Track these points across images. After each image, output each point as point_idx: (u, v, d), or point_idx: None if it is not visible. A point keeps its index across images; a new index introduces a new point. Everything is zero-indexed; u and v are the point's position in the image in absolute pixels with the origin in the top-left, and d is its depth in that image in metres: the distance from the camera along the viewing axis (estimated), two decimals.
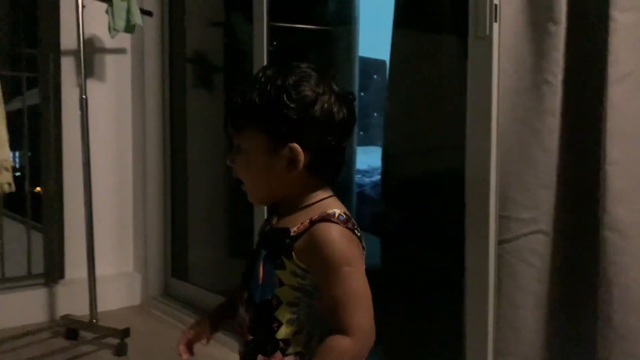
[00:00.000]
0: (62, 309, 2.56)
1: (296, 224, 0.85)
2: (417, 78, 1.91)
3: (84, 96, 2.26)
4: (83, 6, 2.27)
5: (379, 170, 3.26)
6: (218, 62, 2.99)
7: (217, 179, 2.93)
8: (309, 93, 0.84)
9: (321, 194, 0.89)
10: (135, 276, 2.86)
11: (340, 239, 0.83)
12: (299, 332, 0.86)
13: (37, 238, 2.69)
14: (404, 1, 1.93)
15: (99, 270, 2.38)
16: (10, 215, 2.74)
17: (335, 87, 0.87)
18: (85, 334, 2.33)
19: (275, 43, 2.07)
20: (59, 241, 2.63)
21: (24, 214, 2.80)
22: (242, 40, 2.87)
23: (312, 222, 0.84)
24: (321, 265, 0.83)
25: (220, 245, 2.95)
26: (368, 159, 3.24)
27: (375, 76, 4.19)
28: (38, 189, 2.67)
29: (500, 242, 1.26)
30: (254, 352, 0.88)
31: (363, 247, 0.88)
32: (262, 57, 2.09)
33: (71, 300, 2.59)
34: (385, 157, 2.08)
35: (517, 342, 1.22)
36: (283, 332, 0.85)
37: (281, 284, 0.85)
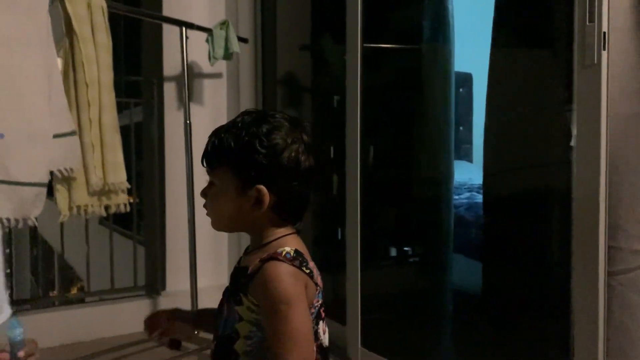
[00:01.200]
0: None
1: (253, 262, 0.92)
2: (516, 95, 1.91)
3: (187, 121, 2.41)
4: (187, 37, 2.43)
5: (468, 186, 3.23)
6: (306, 83, 3.09)
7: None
8: (279, 141, 0.92)
9: (281, 232, 0.96)
10: None
11: (282, 278, 0.88)
12: None
13: (139, 251, 2.89)
14: (504, 18, 1.93)
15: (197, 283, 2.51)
16: (115, 229, 2.96)
17: (305, 137, 0.95)
18: (187, 345, 2.46)
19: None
20: (162, 254, 2.80)
21: (126, 227, 3.01)
22: (330, 62, 2.96)
23: (262, 261, 0.90)
24: (265, 302, 0.89)
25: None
26: (456, 175, 3.23)
27: (461, 89, 4.16)
28: (131, 198, 2.82)
29: (611, 274, 1.24)
30: None
31: (315, 284, 0.93)
32: (356, 77, 2.15)
33: None
34: (486, 177, 2.08)
35: None
36: None
37: (240, 319, 0.92)
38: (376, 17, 2.24)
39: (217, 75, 2.97)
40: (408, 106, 2.61)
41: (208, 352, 2.33)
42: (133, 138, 2.79)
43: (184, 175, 2.66)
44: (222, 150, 0.93)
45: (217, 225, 0.99)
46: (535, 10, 1.79)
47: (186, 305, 2.62)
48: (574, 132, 1.35)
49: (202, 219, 2.95)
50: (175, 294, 2.81)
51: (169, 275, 2.84)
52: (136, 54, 2.90)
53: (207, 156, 0.96)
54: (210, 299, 2.82)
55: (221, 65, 2.93)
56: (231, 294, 0.94)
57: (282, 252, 0.91)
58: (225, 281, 2.96)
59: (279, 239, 0.94)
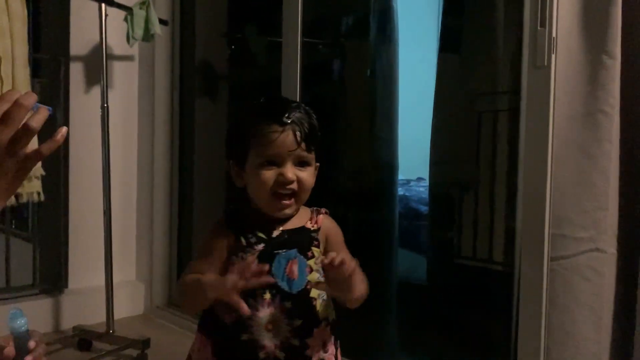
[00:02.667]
0: (68, 319, 2.51)
1: (303, 223, 1.09)
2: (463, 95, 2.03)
3: (105, 104, 2.24)
4: (106, 14, 2.26)
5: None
6: (224, 73, 3.01)
7: (224, 186, 2.94)
8: None
9: None
10: (138, 285, 2.84)
11: None
12: (325, 302, 1.09)
13: (29, 247, 2.64)
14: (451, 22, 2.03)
15: (100, 280, 2.35)
16: (11, 224, 2.67)
17: None
18: (99, 345, 2.30)
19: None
20: (65, 251, 2.59)
21: (23, 222, 2.74)
22: (252, 52, 2.91)
23: (316, 217, 1.10)
24: (339, 239, 1.12)
25: None
26: None
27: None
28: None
29: (554, 259, 1.35)
30: (307, 332, 1.06)
31: None
32: (295, 72, 2.13)
33: (77, 310, 2.55)
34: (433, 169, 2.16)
35: (574, 354, 1.31)
36: (319, 305, 1.08)
37: (310, 270, 1.06)
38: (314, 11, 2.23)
39: (129, 58, 2.79)
40: (349, 100, 2.63)
41: (124, 352, 2.21)
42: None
43: (91, 164, 2.48)
44: (317, 131, 1.07)
45: (296, 207, 1.08)
46: (482, 14, 1.90)
47: (95, 302, 2.44)
48: (521, 129, 1.46)
49: (116, 211, 2.73)
50: (81, 291, 2.61)
51: (71, 271, 2.63)
52: (35, 27, 2.62)
53: (309, 138, 1.05)
54: (122, 295, 2.70)
55: (133, 48, 2.76)
56: (301, 252, 1.07)
57: (322, 210, 1.13)
58: (133, 277, 2.86)
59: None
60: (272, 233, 1.08)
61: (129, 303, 2.77)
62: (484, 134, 1.88)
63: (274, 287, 1.05)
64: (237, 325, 1.06)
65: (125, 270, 2.83)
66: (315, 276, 1.08)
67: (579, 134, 1.35)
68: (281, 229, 1.09)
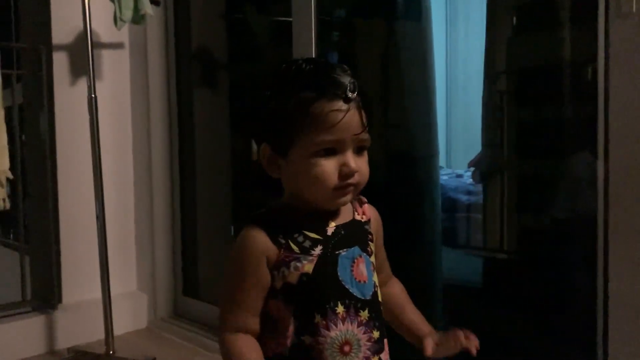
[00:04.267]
0: (63, 339, 2.25)
1: (350, 215, 0.90)
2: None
3: (93, 95, 1.97)
4: None
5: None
6: (224, 56, 2.73)
7: (229, 186, 2.67)
8: None
9: None
10: (140, 296, 2.57)
11: None
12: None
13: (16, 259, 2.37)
14: None
15: (97, 292, 2.08)
16: None
17: None
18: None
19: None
20: (57, 262, 2.32)
21: (10, 232, 2.48)
22: (254, 32, 2.64)
23: (361, 207, 0.92)
24: (381, 235, 0.95)
25: None
26: None
27: None
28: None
29: None
30: (382, 345, 0.87)
31: None
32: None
33: (72, 327, 2.28)
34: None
35: None
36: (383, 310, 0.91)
37: (373, 269, 0.89)
38: None
39: (118, 46, 2.52)
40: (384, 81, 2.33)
41: None
42: (17, 121, 2.28)
43: (82, 164, 2.21)
44: (370, 104, 0.84)
45: (356, 192, 0.88)
46: None
47: (93, 318, 2.18)
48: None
49: (112, 215, 2.45)
50: (77, 306, 2.34)
51: (65, 284, 2.36)
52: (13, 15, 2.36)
53: (369, 115, 0.84)
54: (123, 308, 2.43)
55: (122, 34, 2.49)
56: (363, 250, 0.88)
57: (363, 198, 0.94)
58: (134, 287, 2.59)
59: None
60: (326, 231, 0.86)
61: (131, 317, 2.50)
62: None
63: (345, 296, 0.84)
64: (300, 353, 0.82)
65: (125, 281, 2.57)
66: (376, 276, 0.91)
67: None
68: (334, 224, 0.88)
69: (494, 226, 2.09)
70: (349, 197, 0.85)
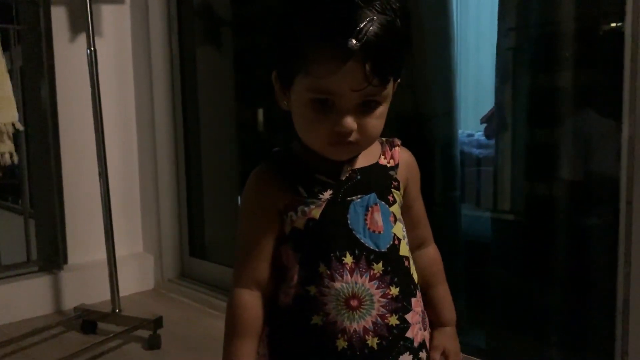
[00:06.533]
0: (69, 299, 2.24)
1: (375, 158, 0.81)
2: None
3: (92, 48, 1.90)
4: None
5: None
6: (226, 12, 2.65)
7: (234, 146, 2.62)
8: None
9: None
10: (147, 257, 2.55)
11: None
12: (413, 264, 0.83)
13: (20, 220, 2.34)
14: None
15: (103, 253, 2.04)
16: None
17: None
18: (105, 326, 2.02)
19: None
20: (61, 222, 2.29)
21: (15, 194, 2.45)
22: None
23: (390, 151, 0.83)
24: (416, 184, 0.86)
25: None
26: None
27: None
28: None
29: None
30: (406, 304, 0.78)
31: None
32: None
33: (79, 288, 2.27)
34: None
35: None
36: (412, 266, 0.82)
37: (395, 220, 0.80)
38: None
39: (118, 1, 2.44)
40: None
41: (134, 332, 1.94)
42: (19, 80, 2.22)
43: (84, 121, 2.16)
44: (403, 47, 0.73)
45: (358, 152, 0.79)
46: None
47: (99, 279, 2.16)
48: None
49: (116, 175, 2.39)
50: (83, 267, 2.33)
51: (70, 245, 2.34)
52: None
53: (388, 64, 0.70)
54: (129, 269, 2.42)
55: None
56: (380, 197, 0.79)
57: (396, 141, 0.85)
58: (140, 248, 2.57)
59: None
60: (339, 175, 0.78)
61: (138, 278, 2.49)
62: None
63: (355, 246, 0.76)
64: (303, 304, 0.76)
65: (132, 242, 2.55)
66: (401, 228, 0.81)
67: None
68: (350, 169, 0.79)
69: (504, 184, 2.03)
70: (345, 154, 0.77)
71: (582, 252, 1.60)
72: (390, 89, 0.74)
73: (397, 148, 0.84)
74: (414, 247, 0.86)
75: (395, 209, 0.81)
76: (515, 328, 1.76)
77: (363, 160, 0.80)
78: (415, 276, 0.82)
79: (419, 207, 0.87)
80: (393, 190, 0.81)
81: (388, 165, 0.82)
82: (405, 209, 0.84)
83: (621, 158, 1.25)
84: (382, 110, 0.74)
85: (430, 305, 0.87)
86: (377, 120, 0.74)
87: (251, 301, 0.78)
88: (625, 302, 1.24)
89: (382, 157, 0.82)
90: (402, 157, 0.83)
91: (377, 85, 0.70)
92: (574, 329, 1.62)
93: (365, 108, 0.72)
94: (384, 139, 0.84)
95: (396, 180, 0.82)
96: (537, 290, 1.71)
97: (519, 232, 1.82)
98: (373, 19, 0.67)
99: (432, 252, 0.89)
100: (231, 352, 0.77)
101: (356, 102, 0.71)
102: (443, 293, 0.88)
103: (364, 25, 0.66)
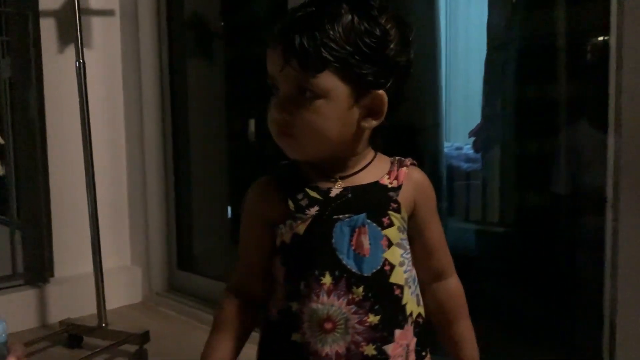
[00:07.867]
0: (56, 313, 2.21)
1: (377, 177, 0.78)
2: None
3: (81, 60, 1.90)
4: None
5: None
6: (217, 24, 2.65)
7: (224, 157, 2.62)
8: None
9: (372, 151, 0.82)
10: (134, 270, 2.53)
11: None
12: (412, 293, 0.79)
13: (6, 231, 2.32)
14: None
15: (90, 266, 2.01)
16: None
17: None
18: (91, 341, 2.00)
19: None
20: (48, 234, 2.27)
21: (2, 206, 2.43)
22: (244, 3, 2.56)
23: (396, 171, 0.80)
24: (428, 208, 0.81)
25: (231, 229, 2.64)
26: None
27: None
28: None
29: None
30: (387, 334, 0.75)
31: None
32: None
33: (65, 301, 2.24)
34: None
35: None
36: (406, 296, 0.77)
37: (389, 244, 0.76)
38: None
39: (108, 13, 2.44)
40: None
41: (123, 347, 1.92)
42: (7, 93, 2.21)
43: (72, 132, 2.14)
44: (331, 45, 0.70)
45: (307, 152, 0.76)
46: None
47: (86, 292, 2.13)
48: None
49: (104, 186, 2.38)
50: (69, 280, 2.30)
51: (57, 258, 2.31)
52: None
53: (308, 55, 0.70)
54: (117, 282, 2.39)
55: (113, 1, 2.42)
56: (372, 218, 0.76)
57: (407, 161, 0.82)
58: (128, 261, 2.55)
59: (377, 152, 0.82)
60: (330, 191, 0.77)
61: (125, 291, 2.46)
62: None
63: (336, 267, 0.74)
64: (285, 319, 0.76)
65: (119, 255, 2.53)
66: (398, 254, 0.77)
67: None
68: (343, 185, 0.78)
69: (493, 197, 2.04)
70: (289, 149, 0.76)
71: (570, 263, 1.61)
72: (331, 84, 0.71)
73: (404, 168, 0.80)
74: (430, 278, 0.82)
75: (391, 232, 0.77)
76: (504, 340, 1.76)
77: (363, 178, 0.78)
78: (410, 306, 0.78)
79: (433, 233, 0.82)
80: (390, 212, 0.77)
81: (389, 185, 0.79)
82: (416, 235, 0.81)
83: (607, 169, 1.26)
84: (322, 105, 0.72)
85: (450, 343, 0.84)
86: (313, 114, 0.72)
87: (227, 304, 0.83)
88: (611, 321, 1.24)
89: (387, 176, 0.79)
90: (411, 178, 0.80)
91: (297, 69, 0.70)
92: (563, 341, 1.63)
93: (301, 98, 0.72)
94: (396, 157, 0.82)
95: (396, 202, 0.78)
96: (525, 302, 1.71)
97: (506, 244, 1.83)
98: (306, 10, 0.72)
99: (452, 285, 0.84)
100: (206, 342, 0.84)
101: (290, 90, 0.73)
102: (464, 330, 0.84)
103: (300, 12, 0.72)
